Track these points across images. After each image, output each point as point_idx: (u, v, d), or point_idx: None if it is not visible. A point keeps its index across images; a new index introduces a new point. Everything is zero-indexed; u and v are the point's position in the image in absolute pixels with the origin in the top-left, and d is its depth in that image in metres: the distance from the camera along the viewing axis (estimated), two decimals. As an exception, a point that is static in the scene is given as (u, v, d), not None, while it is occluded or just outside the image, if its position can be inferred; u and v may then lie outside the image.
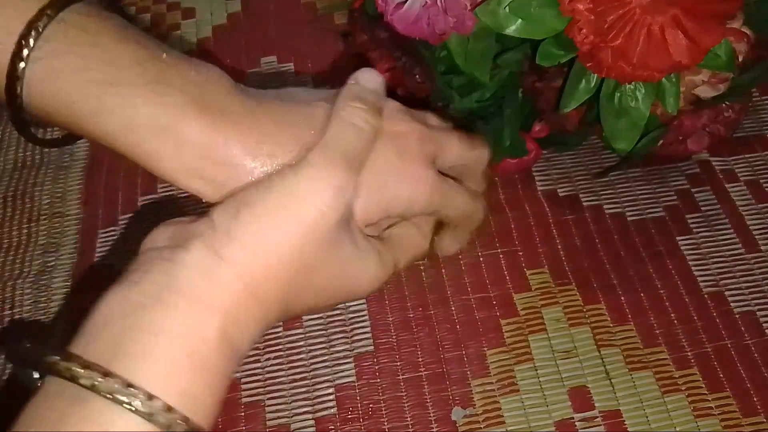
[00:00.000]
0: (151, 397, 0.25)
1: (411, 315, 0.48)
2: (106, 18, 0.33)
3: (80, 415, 0.24)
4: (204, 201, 0.33)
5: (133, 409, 0.24)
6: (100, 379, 0.24)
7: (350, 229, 0.32)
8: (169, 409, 0.25)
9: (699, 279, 0.49)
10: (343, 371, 0.46)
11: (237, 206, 0.30)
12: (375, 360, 0.46)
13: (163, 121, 0.31)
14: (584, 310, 0.48)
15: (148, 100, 0.31)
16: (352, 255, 0.32)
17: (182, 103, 0.31)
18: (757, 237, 0.51)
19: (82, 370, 0.24)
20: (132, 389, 0.24)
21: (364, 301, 0.48)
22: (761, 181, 0.54)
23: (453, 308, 0.48)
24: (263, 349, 0.47)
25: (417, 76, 0.51)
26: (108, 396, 0.24)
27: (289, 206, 0.30)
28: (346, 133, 0.32)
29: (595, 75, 0.47)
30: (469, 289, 0.49)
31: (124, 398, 0.24)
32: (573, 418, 0.43)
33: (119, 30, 0.32)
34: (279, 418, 0.44)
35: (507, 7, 0.45)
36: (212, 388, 0.27)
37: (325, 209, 0.30)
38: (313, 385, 0.45)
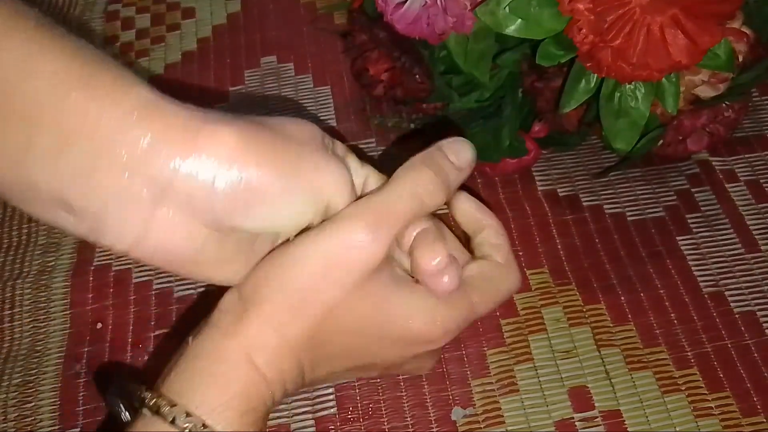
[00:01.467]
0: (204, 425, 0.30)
1: (411, 315, 0.48)
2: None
3: None
4: None
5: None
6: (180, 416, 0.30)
7: (387, 268, 0.33)
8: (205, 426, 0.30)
9: (699, 279, 0.49)
10: (342, 371, 0.46)
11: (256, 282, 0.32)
12: (375, 360, 0.46)
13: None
14: (584, 310, 0.48)
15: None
16: (390, 295, 0.32)
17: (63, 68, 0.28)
18: (757, 237, 0.51)
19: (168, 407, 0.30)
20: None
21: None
22: (761, 181, 0.54)
23: (453, 308, 0.48)
24: (263, 349, 0.47)
25: (417, 76, 0.51)
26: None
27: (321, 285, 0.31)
28: (406, 203, 0.32)
29: (595, 75, 0.47)
30: (468, 289, 0.49)
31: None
32: (573, 418, 0.43)
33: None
34: (279, 418, 0.44)
35: (506, 7, 0.45)
36: None
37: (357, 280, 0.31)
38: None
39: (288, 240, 0.32)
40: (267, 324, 0.31)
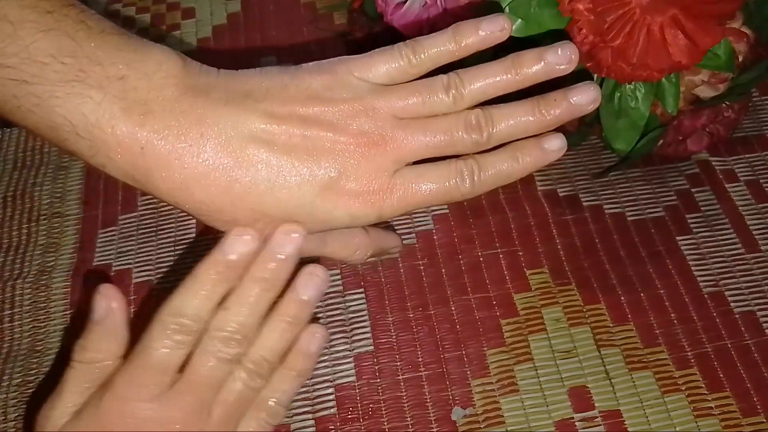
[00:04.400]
0: None
1: (411, 315, 0.48)
2: (32, 3, 0.31)
3: None
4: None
5: None
6: None
7: None
8: None
9: (699, 279, 0.49)
10: (343, 371, 0.46)
11: None
12: (375, 360, 0.46)
13: (78, 123, 0.31)
14: (584, 310, 0.48)
15: (64, 102, 0.30)
16: None
17: (101, 102, 0.31)
18: (757, 237, 0.51)
19: None
20: None
21: (364, 301, 0.48)
22: (761, 181, 0.54)
23: (453, 308, 0.48)
24: (263, 349, 0.47)
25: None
26: None
27: None
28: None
29: (595, 75, 0.47)
30: (469, 289, 0.49)
31: None
32: (573, 418, 0.43)
33: (43, 17, 0.31)
34: (279, 418, 0.44)
35: (507, 7, 0.45)
36: None
37: None
38: (313, 385, 0.45)
39: None
40: None
